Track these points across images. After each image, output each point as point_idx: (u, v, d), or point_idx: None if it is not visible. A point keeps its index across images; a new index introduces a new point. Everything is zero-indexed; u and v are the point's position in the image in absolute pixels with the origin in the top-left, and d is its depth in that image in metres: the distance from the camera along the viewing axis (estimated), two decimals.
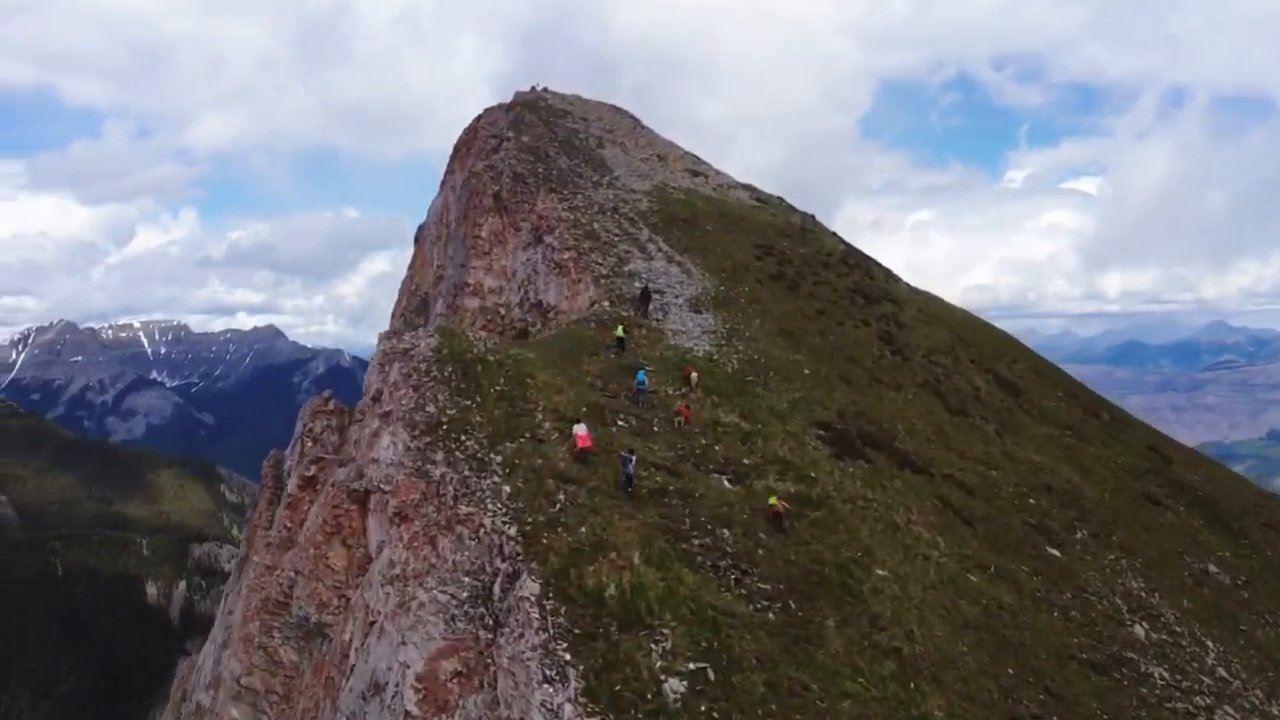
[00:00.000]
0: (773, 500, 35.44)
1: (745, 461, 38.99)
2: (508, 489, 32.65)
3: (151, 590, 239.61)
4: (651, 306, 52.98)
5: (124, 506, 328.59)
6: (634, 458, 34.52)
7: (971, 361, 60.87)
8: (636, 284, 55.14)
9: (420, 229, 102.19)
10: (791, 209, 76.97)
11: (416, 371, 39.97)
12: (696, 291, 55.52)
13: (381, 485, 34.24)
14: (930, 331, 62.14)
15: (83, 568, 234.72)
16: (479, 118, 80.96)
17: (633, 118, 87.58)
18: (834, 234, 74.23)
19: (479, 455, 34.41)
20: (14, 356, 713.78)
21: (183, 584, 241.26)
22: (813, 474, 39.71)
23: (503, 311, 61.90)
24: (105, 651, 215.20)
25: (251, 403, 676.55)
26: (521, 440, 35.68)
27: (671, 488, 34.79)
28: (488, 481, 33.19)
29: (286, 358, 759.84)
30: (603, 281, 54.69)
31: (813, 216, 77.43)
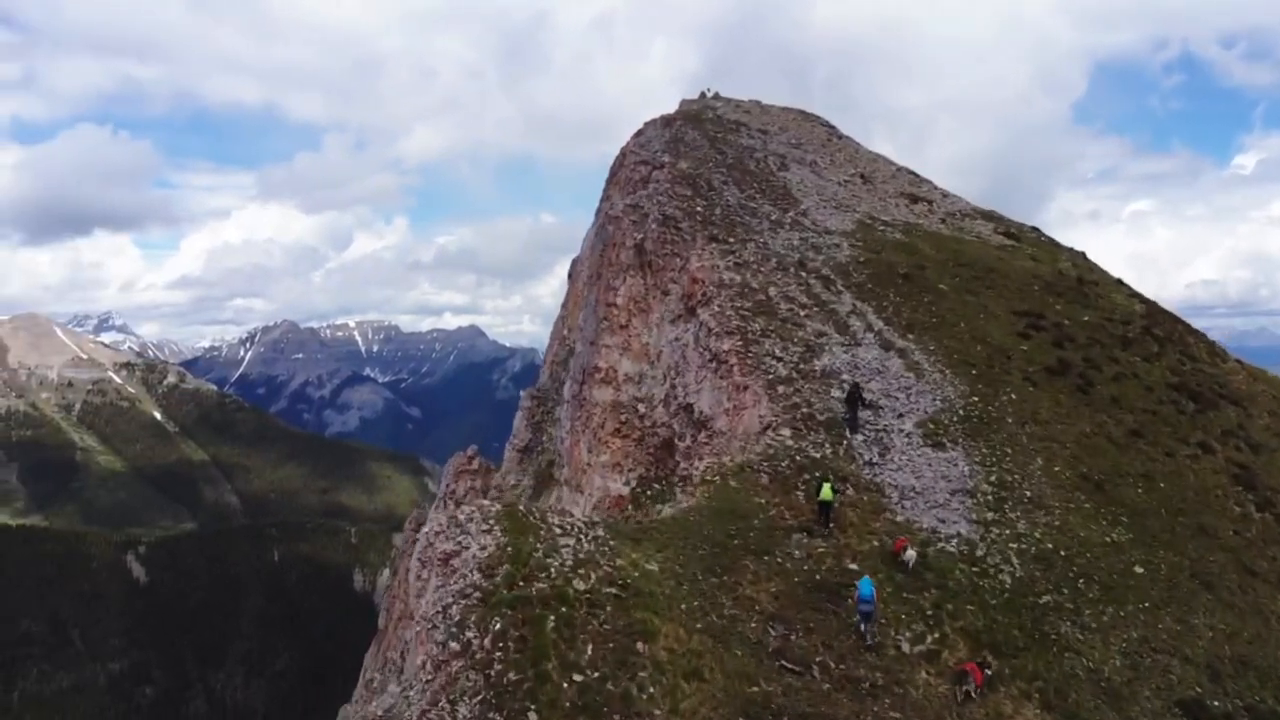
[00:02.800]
0: None
1: None
2: None
3: (358, 578, 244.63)
4: (861, 437, 32.73)
5: (338, 496, 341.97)
6: None
7: None
8: (836, 391, 35.01)
9: (574, 263, 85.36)
10: (1056, 247, 53.96)
11: (445, 616, 21.93)
12: (934, 405, 34.67)
13: None
14: None
15: (296, 554, 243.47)
16: (637, 134, 62.29)
17: (827, 125, 66.65)
18: (1120, 282, 50.94)
19: None
20: (242, 354, 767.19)
21: (386, 572, 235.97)
22: None
23: (642, 409, 43.40)
24: (314, 635, 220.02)
25: (454, 398, 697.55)
26: None
27: None
28: None
29: (486, 356, 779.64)
30: (781, 390, 34.85)
31: (1084, 254, 54.13)
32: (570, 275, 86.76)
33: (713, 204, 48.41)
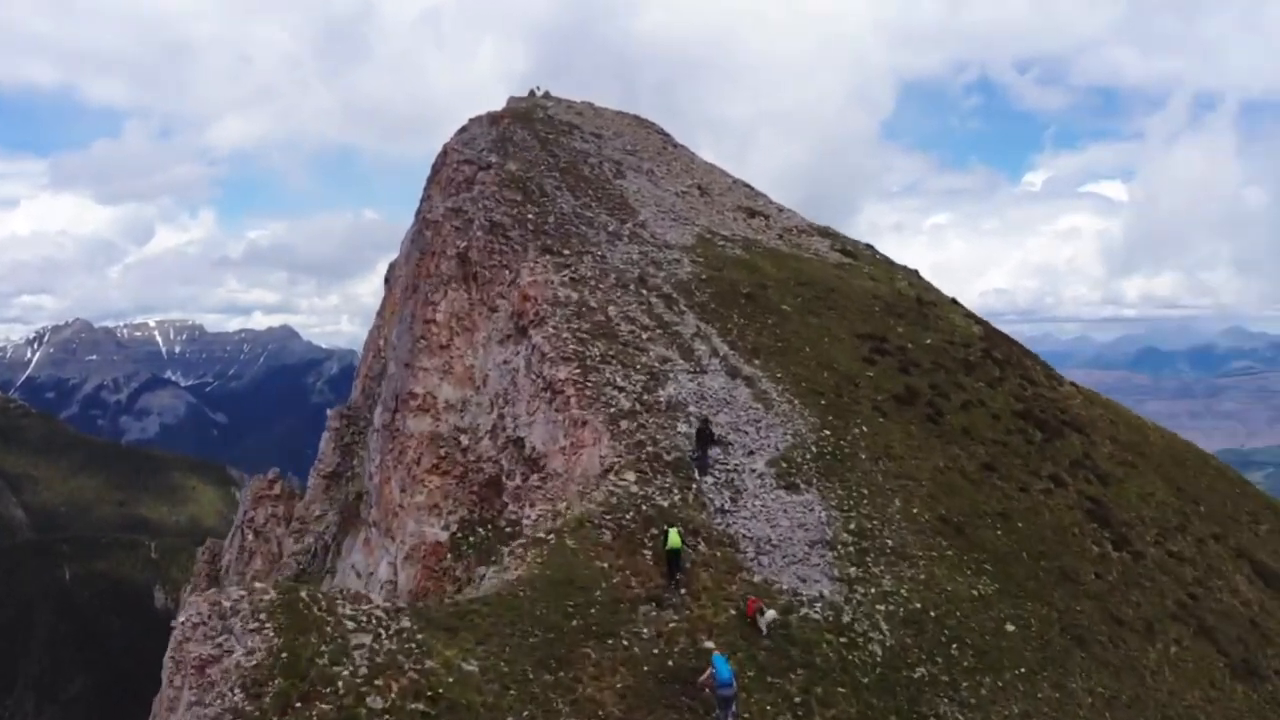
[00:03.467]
0: None
1: None
2: None
3: (159, 595, 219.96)
4: (711, 479, 29.03)
5: (136, 508, 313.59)
6: None
7: (1214, 538, 36.72)
8: (682, 425, 31.20)
9: (392, 267, 78.59)
10: (891, 265, 52.68)
11: None
12: (785, 439, 31.43)
13: None
14: (1143, 483, 38.01)
15: (90, 571, 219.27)
16: (461, 130, 56.63)
17: (661, 132, 63.31)
18: (955, 302, 50.13)
19: None
20: (29, 355, 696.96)
21: (190, 589, 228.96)
22: None
23: (464, 441, 38.20)
24: (111, 656, 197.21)
25: (265, 402, 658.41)
26: None
27: None
28: None
29: (300, 358, 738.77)
30: (624, 425, 30.69)
31: (917, 273, 53.22)
32: (387, 280, 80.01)
33: (545, 211, 43.73)
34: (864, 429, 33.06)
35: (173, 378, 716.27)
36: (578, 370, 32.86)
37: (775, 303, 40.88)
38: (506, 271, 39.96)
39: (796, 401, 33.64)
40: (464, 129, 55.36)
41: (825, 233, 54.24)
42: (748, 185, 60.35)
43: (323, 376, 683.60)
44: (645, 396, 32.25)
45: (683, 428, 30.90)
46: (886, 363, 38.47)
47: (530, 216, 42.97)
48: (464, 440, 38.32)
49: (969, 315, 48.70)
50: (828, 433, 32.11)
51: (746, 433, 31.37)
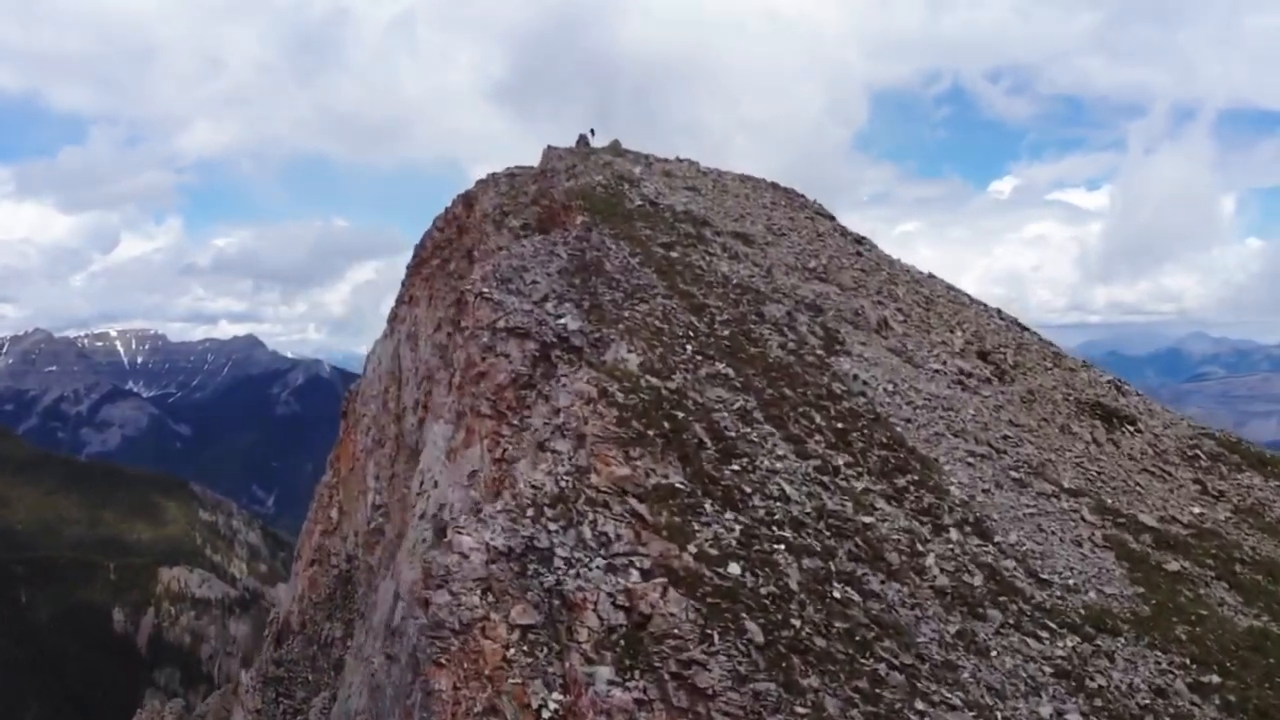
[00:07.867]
0: None
1: None
2: None
3: (118, 617, 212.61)
4: None
5: (98, 526, 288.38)
6: None
7: None
8: None
9: (350, 397, 48.76)
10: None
11: None
12: None
13: None
14: None
15: (46, 593, 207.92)
16: (465, 203, 26.79)
17: (825, 214, 33.70)
18: None
19: None
20: None
21: (151, 610, 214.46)
22: None
23: None
24: (67, 681, 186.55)
25: (229, 414, 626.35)
26: None
27: None
28: None
29: (265, 368, 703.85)
30: None
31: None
32: (343, 415, 50.25)
33: (762, 530, 14.47)
34: None
35: (135, 388, 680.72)
36: None
37: None
38: None
39: None
40: (468, 200, 25.95)
41: (1248, 455, 25.09)
42: (1000, 314, 31.25)
43: (288, 387, 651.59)
44: None
45: None
46: None
47: (707, 542, 13.61)
48: None
49: None
50: None
51: None
